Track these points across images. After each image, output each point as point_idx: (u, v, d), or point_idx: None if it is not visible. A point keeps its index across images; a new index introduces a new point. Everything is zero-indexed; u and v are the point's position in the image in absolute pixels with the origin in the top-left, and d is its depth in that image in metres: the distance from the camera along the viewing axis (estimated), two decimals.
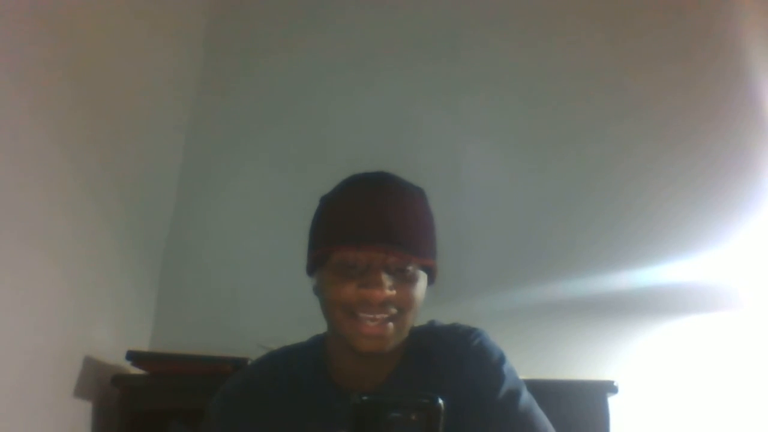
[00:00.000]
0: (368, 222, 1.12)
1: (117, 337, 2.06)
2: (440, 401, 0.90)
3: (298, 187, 2.20)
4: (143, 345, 2.18)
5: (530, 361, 1.61)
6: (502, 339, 1.26)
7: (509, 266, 2.17)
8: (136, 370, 2.03)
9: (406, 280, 1.13)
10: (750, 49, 2.15)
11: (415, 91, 2.38)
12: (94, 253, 1.98)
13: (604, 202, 2.18)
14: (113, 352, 2.00)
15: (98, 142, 1.99)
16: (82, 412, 1.93)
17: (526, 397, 1.20)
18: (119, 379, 1.99)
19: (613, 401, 1.83)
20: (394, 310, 1.12)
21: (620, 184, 2.18)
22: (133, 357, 1.99)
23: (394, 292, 1.12)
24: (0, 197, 1.63)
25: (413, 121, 2.35)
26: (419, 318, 1.22)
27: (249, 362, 1.73)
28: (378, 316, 1.11)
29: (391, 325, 1.12)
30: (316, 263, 1.18)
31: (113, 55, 2.06)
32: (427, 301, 1.19)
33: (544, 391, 1.27)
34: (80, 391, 1.90)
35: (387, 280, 1.11)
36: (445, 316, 1.30)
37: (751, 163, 2.09)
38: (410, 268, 1.14)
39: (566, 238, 2.17)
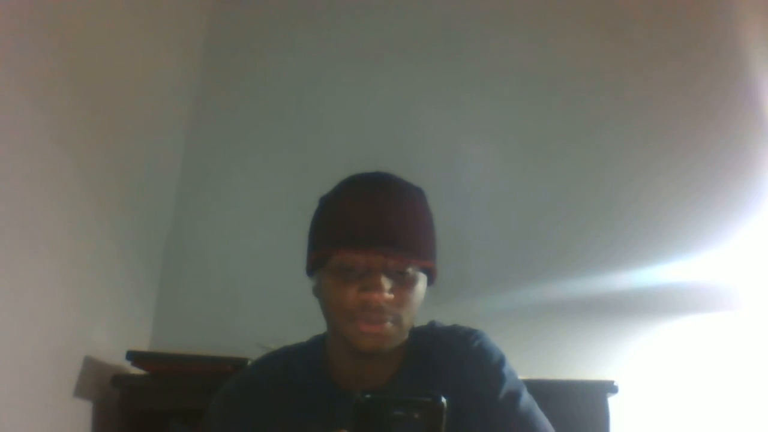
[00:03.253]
0: (367, 224, 1.12)
1: (117, 337, 2.06)
2: (443, 400, 0.90)
3: (298, 187, 2.19)
4: (143, 345, 2.18)
5: (530, 361, 1.61)
6: (502, 339, 1.26)
7: (509, 266, 2.17)
8: (136, 370, 2.03)
9: (405, 283, 1.13)
10: (750, 49, 2.15)
11: (416, 91, 2.38)
12: (94, 253, 1.98)
13: (604, 201, 2.18)
14: (113, 352, 2.00)
15: (98, 142, 1.99)
16: (82, 412, 1.93)
17: (526, 398, 1.20)
18: (119, 379, 1.99)
19: (613, 401, 1.83)
20: (391, 316, 1.12)
21: (620, 184, 2.18)
22: (133, 357, 1.99)
23: (392, 295, 1.12)
24: (0, 197, 1.63)
25: (413, 121, 2.35)
26: (419, 318, 1.22)
27: (249, 362, 1.74)
28: (375, 319, 1.11)
29: (389, 324, 1.12)
30: (315, 265, 1.18)
31: (114, 55, 2.06)
32: (428, 302, 1.19)
33: (544, 391, 1.27)
34: (80, 391, 1.90)
35: (386, 283, 1.11)
36: (446, 316, 1.30)
37: (751, 163, 2.09)
38: (410, 270, 1.14)
39: (566, 238, 2.17)
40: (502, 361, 1.22)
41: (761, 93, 2.11)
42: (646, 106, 2.23)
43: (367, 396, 0.92)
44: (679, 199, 2.12)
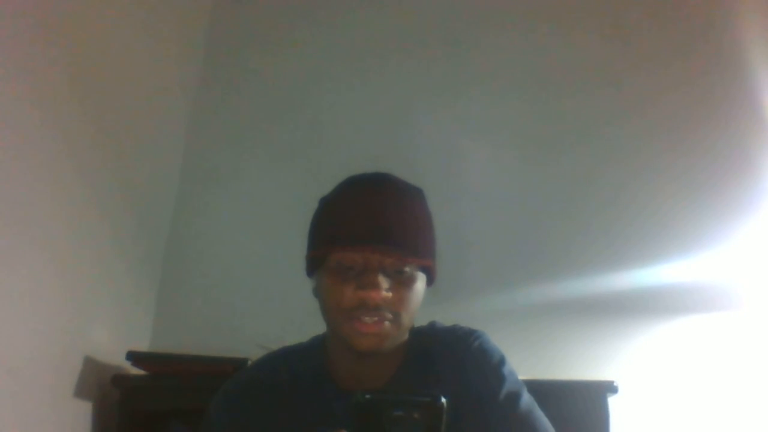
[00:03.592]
0: (365, 223, 1.12)
1: (117, 337, 2.06)
2: (443, 400, 0.91)
3: (298, 187, 2.20)
4: (143, 345, 2.18)
5: (530, 361, 1.61)
6: (501, 339, 1.26)
7: (509, 266, 2.17)
8: (136, 370, 2.03)
9: (403, 282, 1.13)
10: (750, 49, 2.15)
11: (416, 90, 2.38)
12: (94, 253, 1.97)
13: (604, 201, 2.18)
14: (113, 352, 2.00)
15: (99, 142, 1.99)
16: (82, 412, 1.93)
17: (526, 398, 1.20)
18: (119, 379, 1.99)
19: (613, 401, 1.83)
20: (389, 314, 1.12)
21: (620, 184, 2.18)
22: (133, 357, 1.99)
23: (390, 294, 1.12)
24: (0, 197, 1.63)
25: (413, 121, 2.35)
26: (420, 319, 1.22)
27: (249, 362, 1.74)
28: (375, 318, 1.11)
29: (387, 324, 1.13)
30: (314, 265, 1.18)
31: (114, 55, 2.05)
32: (427, 302, 1.19)
33: (544, 391, 1.27)
34: (80, 391, 1.90)
35: (384, 281, 1.11)
36: (445, 316, 1.30)
37: (751, 163, 2.09)
38: (408, 269, 1.14)
39: (566, 237, 2.17)
40: (502, 361, 1.22)
41: (761, 93, 2.11)
42: (647, 105, 2.23)
43: (367, 396, 0.93)
44: (679, 199, 2.12)
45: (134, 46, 2.15)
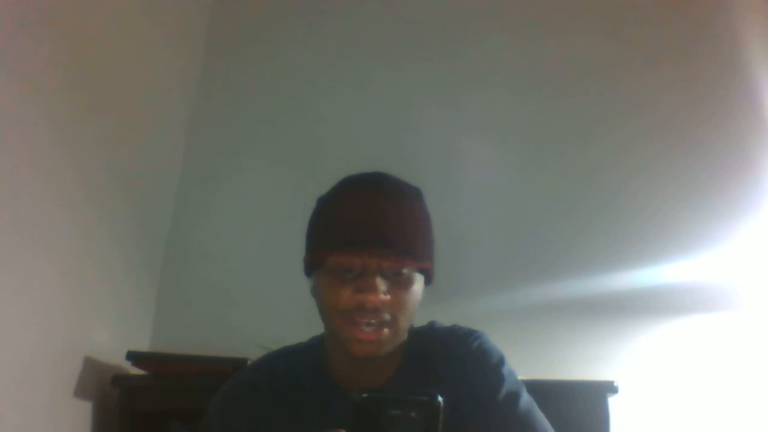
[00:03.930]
0: (363, 226, 1.12)
1: (117, 337, 2.06)
2: (440, 398, 0.91)
3: (298, 187, 2.18)
4: (143, 345, 2.18)
5: (530, 361, 1.61)
6: (501, 339, 1.26)
7: (508, 266, 2.17)
8: (136, 370, 2.03)
9: (401, 284, 1.13)
10: (750, 49, 2.15)
11: (414, 90, 2.38)
12: (94, 253, 1.98)
13: (604, 201, 2.18)
14: (113, 352, 2.00)
15: (99, 142, 1.99)
16: (82, 412, 1.93)
17: (525, 398, 1.20)
18: (119, 379, 1.99)
19: (613, 401, 1.83)
20: (387, 317, 1.12)
21: (620, 184, 2.18)
22: (133, 357, 1.99)
23: (388, 296, 1.11)
24: (0, 197, 1.63)
25: (412, 120, 2.35)
26: (419, 319, 1.22)
27: (249, 362, 1.74)
28: (372, 321, 1.11)
29: (386, 330, 1.12)
30: (312, 265, 1.18)
31: (114, 55, 2.06)
32: (426, 302, 1.19)
33: (544, 391, 1.27)
34: (80, 391, 1.90)
35: (381, 284, 1.11)
36: (444, 316, 1.30)
37: (751, 163, 2.09)
38: (406, 270, 1.13)
39: (566, 237, 2.17)
40: (501, 361, 1.22)
41: (761, 93, 2.11)
42: (646, 105, 2.23)
43: (364, 395, 0.93)
44: (679, 199, 2.12)
45: (134, 46, 2.15)
